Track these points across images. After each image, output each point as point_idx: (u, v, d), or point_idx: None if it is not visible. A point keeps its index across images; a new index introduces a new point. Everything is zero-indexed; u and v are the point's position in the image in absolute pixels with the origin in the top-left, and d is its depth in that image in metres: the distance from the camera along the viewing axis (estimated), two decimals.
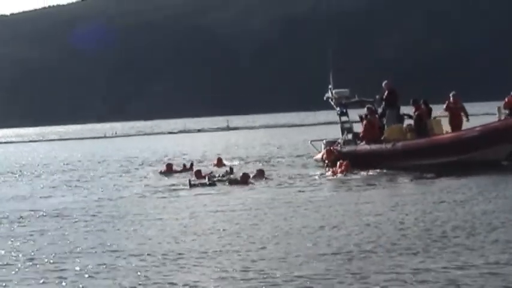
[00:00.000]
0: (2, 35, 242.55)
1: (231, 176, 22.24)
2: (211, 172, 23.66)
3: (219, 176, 22.27)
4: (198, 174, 22.90)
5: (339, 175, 21.26)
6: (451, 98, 24.47)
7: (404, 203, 14.98)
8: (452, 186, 17.47)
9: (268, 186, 19.80)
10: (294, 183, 20.12)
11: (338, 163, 22.39)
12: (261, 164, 27.12)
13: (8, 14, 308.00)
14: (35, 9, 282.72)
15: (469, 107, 26.25)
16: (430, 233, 11.38)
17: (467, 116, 24.31)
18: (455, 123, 23.88)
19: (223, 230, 12.79)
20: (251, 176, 21.40)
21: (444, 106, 24.45)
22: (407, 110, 24.62)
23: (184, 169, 26.06)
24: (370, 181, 19.71)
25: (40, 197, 20.30)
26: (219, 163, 27.57)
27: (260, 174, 21.91)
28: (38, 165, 35.81)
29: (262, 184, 20.21)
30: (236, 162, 28.86)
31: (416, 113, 23.58)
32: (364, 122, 24.44)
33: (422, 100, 24.42)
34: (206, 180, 21.17)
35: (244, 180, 20.44)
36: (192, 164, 26.85)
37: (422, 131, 23.22)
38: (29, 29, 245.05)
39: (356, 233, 11.73)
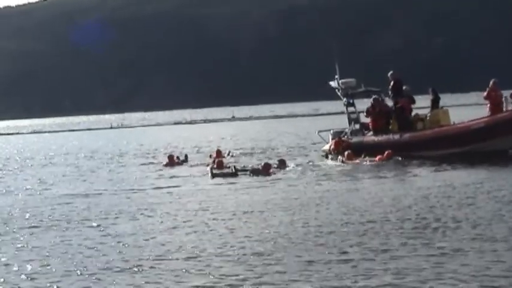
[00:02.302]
0: (9, 26, 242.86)
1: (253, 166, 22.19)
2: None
3: (242, 166, 22.20)
4: (220, 164, 22.74)
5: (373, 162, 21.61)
6: (491, 85, 23.42)
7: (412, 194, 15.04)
8: (457, 178, 17.33)
9: (289, 178, 19.28)
10: (308, 175, 19.73)
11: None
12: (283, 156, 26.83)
13: (14, 5, 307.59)
14: (38, 1, 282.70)
15: (472, 97, 25.76)
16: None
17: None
18: (497, 113, 22.53)
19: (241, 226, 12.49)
20: (273, 166, 21.46)
21: (485, 94, 23.56)
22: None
23: (181, 161, 26.08)
24: (386, 172, 19.50)
25: (47, 187, 20.29)
26: (218, 155, 27.03)
27: (282, 164, 22.01)
28: (45, 157, 35.86)
29: (284, 176, 19.82)
30: (238, 152, 29.02)
31: (398, 106, 23.46)
32: (371, 111, 24.38)
33: (431, 88, 24.37)
34: (229, 170, 21.15)
35: (267, 170, 20.33)
36: (186, 156, 26.94)
37: (405, 125, 23.15)
38: (34, 21, 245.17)
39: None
